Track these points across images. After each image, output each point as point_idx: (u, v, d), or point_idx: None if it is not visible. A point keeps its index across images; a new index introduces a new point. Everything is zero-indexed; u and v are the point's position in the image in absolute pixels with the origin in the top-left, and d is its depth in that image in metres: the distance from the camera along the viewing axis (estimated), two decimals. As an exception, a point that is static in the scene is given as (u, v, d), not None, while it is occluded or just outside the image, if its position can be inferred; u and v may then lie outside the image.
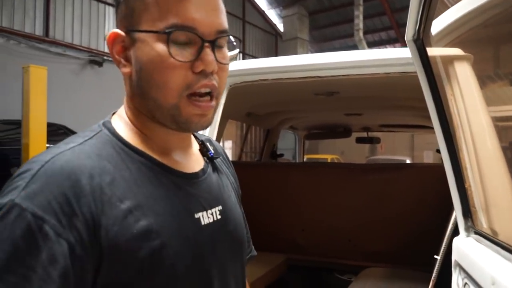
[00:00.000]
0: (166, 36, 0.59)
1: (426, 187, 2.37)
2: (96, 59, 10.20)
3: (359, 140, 4.16)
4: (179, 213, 0.63)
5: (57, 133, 7.11)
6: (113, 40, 0.64)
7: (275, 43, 17.40)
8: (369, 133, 4.04)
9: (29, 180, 0.54)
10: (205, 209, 0.67)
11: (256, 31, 16.67)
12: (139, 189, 0.60)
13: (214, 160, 0.77)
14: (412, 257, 2.14)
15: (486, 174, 1.19)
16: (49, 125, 6.61)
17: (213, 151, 0.77)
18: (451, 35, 1.30)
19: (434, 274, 1.43)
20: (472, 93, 1.27)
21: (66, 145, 0.60)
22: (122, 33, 0.63)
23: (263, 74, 1.76)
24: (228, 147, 12.49)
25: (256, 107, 2.76)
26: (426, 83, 1.22)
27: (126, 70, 0.65)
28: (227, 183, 0.79)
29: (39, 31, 9.34)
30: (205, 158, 0.75)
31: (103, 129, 0.65)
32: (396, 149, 12.97)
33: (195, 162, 0.72)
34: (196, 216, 0.65)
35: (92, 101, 9.73)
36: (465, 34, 1.29)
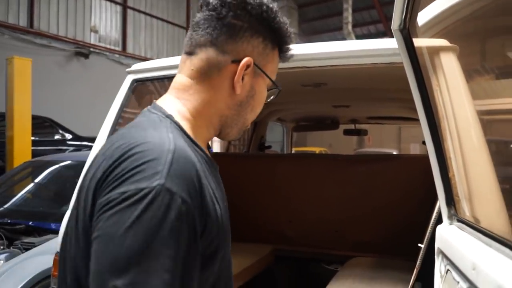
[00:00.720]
0: (270, 85, 0.88)
1: (412, 177, 2.40)
2: (82, 51, 10.06)
3: (347, 132, 4.18)
4: (224, 201, 0.79)
5: (42, 125, 7.02)
6: (247, 65, 0.80)
7: (264, 36, 17.32)
8: (357, 125, 4.07)
9: (169, 166, 0.64)
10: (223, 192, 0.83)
11: (245, 24, 16.57)
12: (209, 177, 0.73)
13: None
14: (398, 246, 2.16)
15: (469, 164, 1.20)
16: (34, 117, 6.53)
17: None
18: (438, 27, 1.31)
19: (418, 262, 1.46)
20: (457, 84, 1.28)
21: (166, 133, 0.71)
22: (252, 62, 0.80)
23: (250, 64, 1.75)
24: (216, 140, 12.44)
25: (244, 98, 2.76)
26: (412, 74, 1.23)
27: (240, 89, 0.81)
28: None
29: (23, 22, 9.16)
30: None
31: (170, 122, 0.75)
32: (383, 142, 13.08)
33: None
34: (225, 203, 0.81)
35: (79, 93, 9.61)
36: (451, 26, 1.29)
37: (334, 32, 17.31)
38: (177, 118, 0.77)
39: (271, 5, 0.83)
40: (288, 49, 0.89)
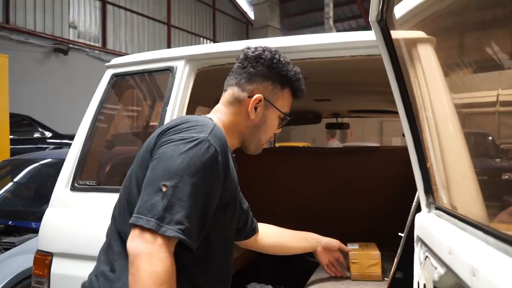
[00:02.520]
0: (283, 116, 1.27)
1: (393, 168, 2.44)
2: (61, 47, 9.87)
3: (329, 126, 4.21)
4: (237, 187, 1.24)
5: (21, 124, 6.87)
6: (257, 99, 1.20)
7: (246, 31, 17.29)
8: (339, 118, 4.09)
9: (210, 130, 1.04)
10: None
11: (227, 19, 16.50)
12: (231, 159, 1.12)
13: None
14: (381, 236, 2.19)
15: (447, 154, 1.23)
16: (13, 116, 6.38)
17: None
18: (414, 19, 1.32)
19: (398, 251, 1.48)
20: (434, 76, 1.30)
21: (210, 120, 1.11)
22: (263, 97, 1.21)
23: (230, 58, 1.75)
24: (200, 136, 12.37)
25: (226, 93, 2.75)
26: (390, 65, 1.25)
27: (253, 116, 1.21)
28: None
29: (-2, 18, 8.93)
30: None
31: (215, 125, 1.09)
32: (365, 136, 13.22)
33: None
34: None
35: (58, 90, 9.43)
36: (428, 19, 1.31)
37: (316, 27, 17.38)
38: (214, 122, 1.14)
39: (281, 58, 1.23)
40: (297, 88, 1.28)
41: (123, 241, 1.05)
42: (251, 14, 16.41)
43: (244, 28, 17.36)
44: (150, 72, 1.90)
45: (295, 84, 1.26)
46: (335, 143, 7.20)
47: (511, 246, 0.60)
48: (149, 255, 0.90)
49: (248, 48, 1.24)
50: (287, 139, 13.40)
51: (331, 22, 13.13)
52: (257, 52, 1.21)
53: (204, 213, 0.99)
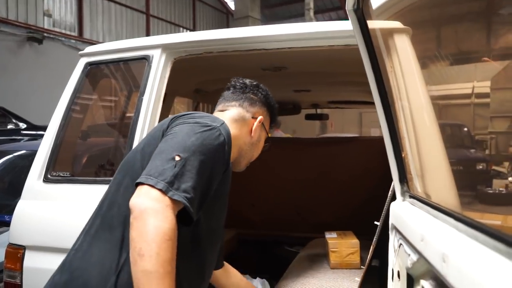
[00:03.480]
0: (266, 139, 1.44)
1: (370, 158, 2.46)
2: (35, 36, 9.57)
3: (308, 117, 4.21)
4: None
5: (-6, 115, 6.67)
6: (260, 121, 1.37)
7: (226, 22, 17.15)
8: (318, 109, 4.10)
9: (221, 123, 1.14)
10: None
11: (207, 9, 16.32)
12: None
13: None
14: (358, 226, 2.22)
15: (422, 144, 1.24)
16: (-16, 106, 6.18)
17: None
18: (391, 10, 1.32)
19: (374, 239, 1.50)
20: (410, 66, 1.31)
21: (219, 119, 1.20)
22: (262, 120, 1.38)
23: (207, 47, 1.72)
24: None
25: (204, 83, 2.72)
26: (366, 54, 1.25)
27: (254, 135, 1.36)
28: None
29: (-32, 5, 8.61)
30: None
31: (224, 122, 1.19)
32: (345, 127, 13.35)
33: None
34: None
35: (33, 81, 9.18)
36: (405, 10, 1.32)
37: (296, 18, 17.35)
38: None
39: (269, 93, 1.43)
40: (276, 120, 1.47)
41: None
42: (231, 4, 16.26)
43: (225, 18, 17.21)
44: (125, 61, 1.85)
45: (276, 116, 1.47)
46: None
47: (480, 232, 0.61)
48: (156, 212, 0.92)
49: (243, 79, 1.43)
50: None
51: (311, 13, 13.14)
52: (255, 83, 1.41)
53: (207, 189, 1.05)
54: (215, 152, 1.07)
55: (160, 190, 0.94)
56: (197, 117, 1.14)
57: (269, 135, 1.46)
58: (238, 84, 1.40)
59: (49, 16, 10.37)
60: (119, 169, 1.20)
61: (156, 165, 0.99)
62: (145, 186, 0.96)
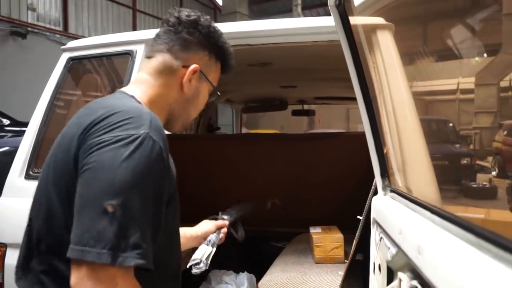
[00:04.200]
0: (212, 90, 1.12)
1: (355, 153, 2.47)
2: (19, 31, 9.40)
3: (295, 113, 4.24)
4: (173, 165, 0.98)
5: (-24, 111, 6.54)
6: (194, 70, 1.04)
7: (214, 17, 17.06)
8: (305, 105, 4.13)
9: (149, 122, 0.85)
10: None
11: (194, 5, 16.21)
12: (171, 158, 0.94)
13: None
14: (344, 221, 2.23)
15: (403, 139, 1.25)
16: (-34, 102, 6.07)
17: None
18: (373, 7, 1.33)
19: (357, 233, 1.52)
20: (392, 62, 1.32)
21: (136, 103, 0.95)
22: (199, 69, 1.05)
23: (191, 42, 1.72)
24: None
25: (190, 79, 2.71)
26: (348, 50, 1.26)
27: (187, 88, 1.05)
28: None
29: (-51, -2, 8.41)
30: None
31: (134, 100, 0.96)
32: (332, 123, 13.43)
33: None
34: None
35: (16, 76, 9.02)
36: (388, 7, 1.33)
37: (284, 14, 17.34)
38: (138, 100, 0.97)
39: (217, 28, 1.09)
40: (228, 64, 1.14)
41: (53, 269, 0.87)
42: (219, 0, 16.18)
43: (212, 14, 17.12)
44: (108, 56, 1.84)
45: (228, 59, 1.12)
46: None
47: (453, 224, 0.62)
48: None
49: (181, 11, 1.06)
50: (255, 126, 13.42)
51: (299, 9, 13.15)
52: (193, 17, 1.05)
53: (158, 224, 0.84)
54: (155, 174, 0.82)
55: (105, 264, 0.73)
56: (116, 124, 0.83)
57: (214, 87, 1.13)
58: (172, 19, 1.06)
59: (33, 10, 10.19)
60: (39, 191, 0.95)
61: (87, 228, 0.75)
62: (85, 265, 0.74)
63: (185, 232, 1.39)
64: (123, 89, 1.02)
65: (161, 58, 1.03)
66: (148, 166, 0.80)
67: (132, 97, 0.97)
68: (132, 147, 0.79)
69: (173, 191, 0.94)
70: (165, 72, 1.03)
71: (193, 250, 1.42)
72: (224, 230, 1.54)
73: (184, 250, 1.32)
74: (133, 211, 0.77)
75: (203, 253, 1.35)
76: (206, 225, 1.49)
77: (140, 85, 1.03)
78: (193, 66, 1.03)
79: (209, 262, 1.34)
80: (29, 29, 9.73)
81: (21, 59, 9.31)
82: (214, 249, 1.41)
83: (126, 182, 0.77)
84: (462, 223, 0.59)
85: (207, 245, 1.40)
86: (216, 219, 1.59)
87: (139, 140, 0.80)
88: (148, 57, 1.07)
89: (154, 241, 0.82)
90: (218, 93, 1.22)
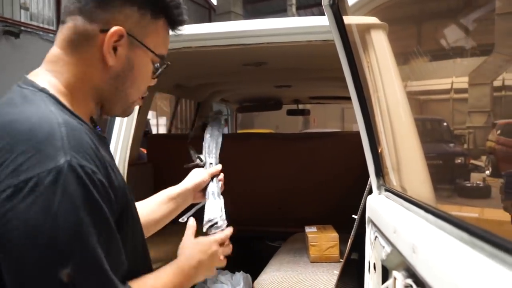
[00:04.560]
0: (157, 60, 0.81)
1: (350, 153, 2.48)
2: (11, 30, 9.34)
3: (290, 112, 4.24)
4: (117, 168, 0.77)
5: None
6: (117, 34, 0.73)
7: (208, 17, 17.03)
8: (299, 105, 4.13)
9: (67, 140, 0.62)
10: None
11: (188, 4, 16.17)
12: (100, 149, 0.70)
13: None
14: (339, 220, 2.24)
15: (398, 138, 1.26)
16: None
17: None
18: (367, 7, 1.33)
19: (352, 232, 1.52)
20: (387, 61, 1.32)
21: (45, 107, 0.67)
22: (125, 32, 0.74)
23: (185, 42, 1.71)
24: (162, 124, 12.19)
25: (185, 78, 2.70)
26: (342, 50, 1.26)
27: (112, 60, 0.74)
28: None
29: None
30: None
31: (45, 95, 0.70)
32: (327, 122, 13.46)
33: None
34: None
35: (9, 77, 8.95)
36: (382, 7, 1.33)
37: (279, 14, 17.35)
38: (52, 91, 0.71)
39: None
40: (175, 19, 0.82)
41: None
42: (213, 0, 16.16)
43: (207, 13, 17.09)
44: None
45: (172, 12, 0.81)
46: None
47: (447, 223, 0.62)
48: None
49: None
50: (250, 125, 13.43)
51: (293, 9, 13.17)
52: None
53: (117, 256, 0.67)
54: (93, 211, 0.62)
55: None
56: (20, 158, 0.59)
57: (159, 54, 0.81)
58: None
59: (26, 9, 10.12)
60: None
61: None
62: None
63: (169, 194, 1.13)
64: (32, 74, 0.76)
65: (72, 24, 0.74)
66: (81, 208, 0.60)
67: (43, 90, 0.70)
68: (57, 190, 0.58)
69: (123, 203, 0.72)
70: (79, 42, 0.74)
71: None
72: (221, 177, 1.25)
73: (184, 214, 1.14)
74: (89, 267, 0.61)
75: (216, 209, 1.08)
76: (196, 176, 1.18)
77: (52, 65, 0.75)
78: (114, 29, 0.72)
79: (225, 217, 1.08)
80: (22, 28, 9.67)
81: (14, 59, 9.25)
82: (222, 199, 1.15)
83: (68, 241, 0.59)
84: (456, 221, 0.59)
85: (214, 198, 1.13)
86: (198, 166, 1.28)
87: (62, 175, 0.59)
88: (62, 22, 0.78)
89: (121, 272, 0.67)
90: (167, 63, 0.84)
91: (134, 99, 0.82)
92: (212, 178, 1.20)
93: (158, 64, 0.82)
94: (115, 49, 0.74)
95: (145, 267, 0.82)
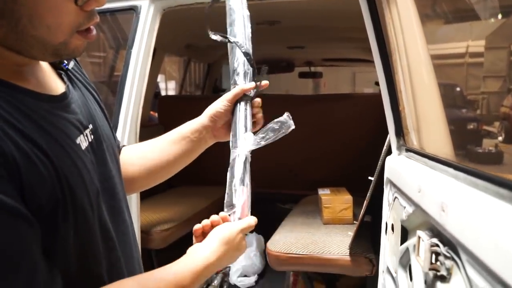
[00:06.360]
0: None
1: (364, 115, 2.44)
2: None
3: (302, 75, 4.16)
4: (65, 144, 0.58)
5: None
6: None
7: (217, -23, 16.59)
8: (312, 67, 4.05)
9: None
10: (81, 132, 0.64)
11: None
12: (22, 120, 0.53)
13: (69, 72, 0.71)
14: (352, 183, 2.23)
15: (419, 97, 1.22)
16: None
17: (65, 61, 0.69)
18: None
19: (368, 194, 1.51)
20: (410, 18, 1.26)
21: None
22: None
23: (198, -4, 1.65)
24: (171, 88, 12.13)
25: (196, 37, 2.63)
26: (366, 3, 1.20)
27: None
28: (88, 95, 0.74)
29: None
30: (60, 71, 0.69)
31: None
32: (338, 87, 13.27)
33: (53, 80, 0.65)
34: (77, 142, 0.62)
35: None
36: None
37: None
38: None
39: None
40: None
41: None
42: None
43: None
44: (112, 11, 1.77)
45: None
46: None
47: (480, 179, 0.59)
48: None
49: None
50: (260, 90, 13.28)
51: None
52: None
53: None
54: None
55: None
56: None
57: None
58: None
59: None
60: None
61: None
62: None
63: (181, 131, 0.95)
64: None
65: None
66: None
67: None
68: None
69: (56, 195, 0.55)
70: None
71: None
72: (258, 101, 0.97)
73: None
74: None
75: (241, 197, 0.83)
76: (213, 106, 0.97)
77: None
78: None
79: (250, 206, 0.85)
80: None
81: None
82: (248, 164, 0.87)
83: None
84: (491, 177, 0.56)
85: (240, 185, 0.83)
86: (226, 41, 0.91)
87: None
88: None
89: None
90: None
91: (60, 40, 0.56)
92: (238, 102, 0.89)
93: None
94: None
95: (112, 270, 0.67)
